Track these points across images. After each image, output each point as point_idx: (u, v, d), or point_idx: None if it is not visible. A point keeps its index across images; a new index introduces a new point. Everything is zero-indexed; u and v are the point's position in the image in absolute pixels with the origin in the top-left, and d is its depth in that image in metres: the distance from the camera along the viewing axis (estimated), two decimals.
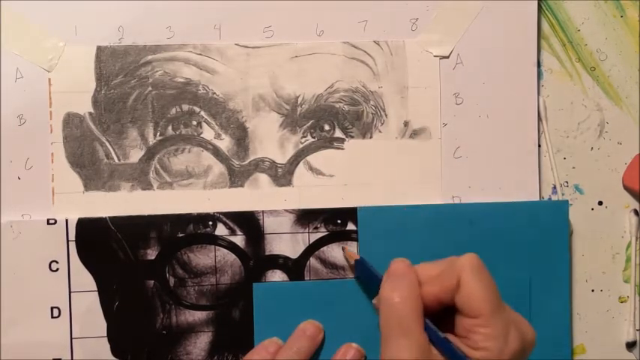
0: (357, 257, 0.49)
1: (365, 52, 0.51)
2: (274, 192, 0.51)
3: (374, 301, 0.44)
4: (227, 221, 0.50)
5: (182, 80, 0.50)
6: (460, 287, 0.41)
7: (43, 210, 0.49)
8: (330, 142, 0.51)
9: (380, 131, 0.52)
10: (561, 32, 0.53)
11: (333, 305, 0.50)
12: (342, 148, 0.52)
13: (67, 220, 0.49)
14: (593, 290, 0.54)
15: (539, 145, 0.53)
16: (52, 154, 0.50)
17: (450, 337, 0.41)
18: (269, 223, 0.50)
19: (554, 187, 0.53)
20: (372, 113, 0.52)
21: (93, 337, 0.49)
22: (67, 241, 0.49)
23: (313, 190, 0.51)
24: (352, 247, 0.51)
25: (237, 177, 0.51)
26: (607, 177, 0.54)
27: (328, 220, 0.51)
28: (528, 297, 0.51)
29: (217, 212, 0.50)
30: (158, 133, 0.50)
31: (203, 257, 0.50)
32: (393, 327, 0.41)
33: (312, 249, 0.50)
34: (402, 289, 0.42)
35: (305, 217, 0.50)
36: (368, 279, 0.48)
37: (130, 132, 0.50)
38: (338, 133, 0.52)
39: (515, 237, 0.51)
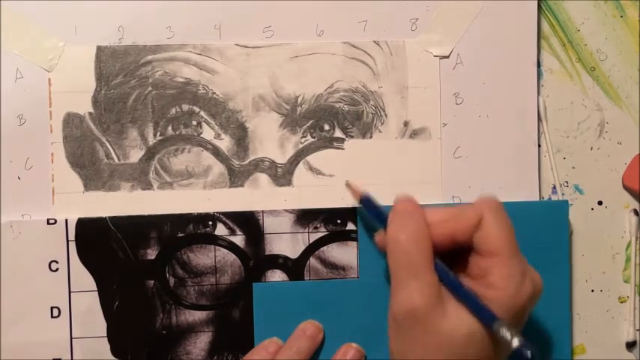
0: (362, 193, 0.47)
1: (365, 52, 0.51)
2: (274, 192, 0.51)
3: (376, 237, 0.43)
4: (227, 221, 0.50)
5: (182, 80, 0.50)
6: (482, 224, 0.40)
7: (43, 210, 0.49)
8: (330, 142, 0.51)
9: (380, 131, 0.52)
10: (561, 32, 0.53)
11: (333, 305, 0.50)
12: (342, 148, 0.52)
13: (66, 220, 0.49)
14: (593, 290, 0.54)
15: (539, 145, 0.53)
16: (52, 154, 0.50)
17: (462, 277, 0.40)
18: (269, 223, 0.50)
19: (554, 187, 0.53)
20: (372, 113, 0.52)
21: (93, 337, 0.49)
22: (67, 241, 0.49)
23: (313, 190, 0.51)
24: (352, 246, 0.51)
25: (237, 177, 0.51)
26: (607, 177, 0.54)
27: (328, 220, 0.51)
28: None
29: (217, 212, 0.50)
30: (158, 133, 0.50)
31: (203, 257, 0.50)
32: (401, 267, 0.40)
33: (312, 249, 0.50)
34: (408, 227, 0.41)
35: (305, 217, 0.50)
36: (374, 217, 0.47)
37: (130, 132, 0.50)
38: (338, 133, 0.52)
39: (516, 237, 0.51)
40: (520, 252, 0.41)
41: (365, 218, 0.50)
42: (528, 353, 0.37)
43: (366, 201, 0.47)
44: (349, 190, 0.49)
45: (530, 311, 0.42)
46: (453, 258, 0.42)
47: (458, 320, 0.39)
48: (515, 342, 0.37)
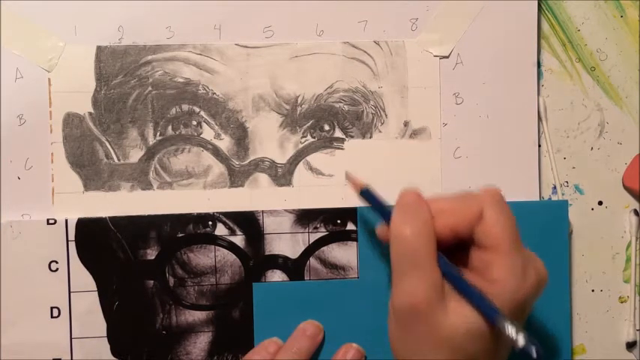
0: (363, 186, 0.46)
1: (365, 52, 0.51)
2: (274, 192, 0.51)
3: (377, 230, 0.42)
4: (227, 221, 0.50)
5: (182, 80, 0.50)
6: (483, 217, 0.40)
7: (43, 210, 0.49)
8: (330, 142, 0.51)
9: (380, 131, 0.52)
10: (561, 32, 0.53)
11: (333, 305, 0.50)
12: (342, 148, 0.52)
13: (66, 220, 0.49)
14: (593, 290, 0.54)
15: (539, 145, 0.53)
16: (52, 154, 0.50)
17: (464, 271, 0.40)
18: (269, 223, 0.50)
19: (554, 187, 0.53)
20: (372, 113, 0.52)
21: (93, 337, 0.49)
22: (67, 241, 0.49)
23: (313, 190, 0.51)
24: (352, 246, 0.51)
25: (237, 177, 0.51)
26: (607, 177, 0.54)
27: (328, 220, 0.51)
28: None
29: (217, 212, 0.50)
30: (158, 133, 0.50)
31: (203, 257, 0.50)
32: (405, 261, 0.39)
33: (312, 249, 0.50)
34: (413, 222, 0.40)
35: (305, 217, 0.50)
36: (376, 210, 0.45)
37: (129, 132, 0.50)
38: (338, 133, 0.52)
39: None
40: (521, 244, 0.40)
41: (364, 214, 0.50)
42: (534, 352, 0.37)
43: (367, 193, 0.46)
44: (349, 182, 0.47)
45: (535, 302, 0.41)
46: (455, 251, 0.41)
47: (460, 316, 0.38)
48: (521, 340, 0.37)
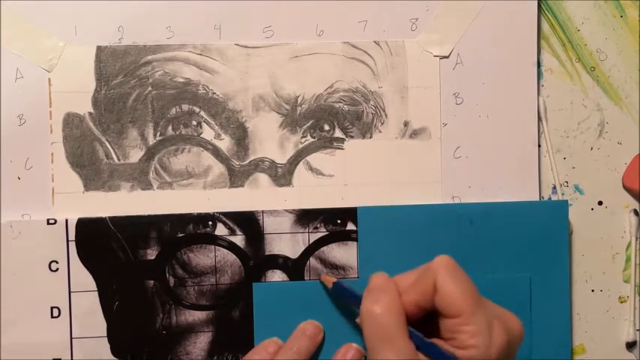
0: (334, 280, 0.49)
1: (365, 52, 0.51)
2: (274, 192, 0.51)
3: (357, 320, 0.44)
4: (227, 221, 0.50)
5: (182, 80, 0.50)
6: (437, 289, 0.41)
7: (43, 210, 0.49)
8: (330, 142, 0.51)
9: (380, 131, 0.52)
10: (561, 32, 0.53)
11: (333, 305, 0.50)
12: (342, 148, 0.52)
13: (67, 220, 0.49)
14: (593, 290, 0.54)
15: (539, 145, 0.53)
16: (52, 154, 0.50)
17: (437, 341, 0.41)
18: (269, 223, 0.50)
19: (554, 187, 0.53)
20: (372, 113, 0.52)
21: (93, 337, 0.49)
22: (67, 241, 0.49)
23: (313, 190, 0.51)
24: (352, 246, 0.51)
25: (237, 177, 0.51)
26: (607, 177, 0.54)
27: (328, 220, 0.51)
28: (528, 297, 0.51)
29: (217, 212, 0.50)
30: (158, 133, 0.50)
31: (203, 257, 0.50)
32: (378, 339, 0.41)
33: (312, 249, 0.50)
34: (382, 301, 0.41)
35: (305, 217, 0.50)
36: (349, 299, 0.48)
37: (129, 132, 0.50)
38: (338, 133, 0.52)
39: (515, 237, 0.51)
40: (484, 302, 0.41)
41: (365, 214, 0.50)
42: None
43: (339, 287, 0.48)
44: (322, 281, 0.50)
45: (515, 352, 0.42)
46: (427, 323, 0.42)
47: None
48: None
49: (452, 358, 0.39)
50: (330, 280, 0.49)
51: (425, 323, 0.42)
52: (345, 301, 0.49)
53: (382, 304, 0.41)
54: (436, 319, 0.42)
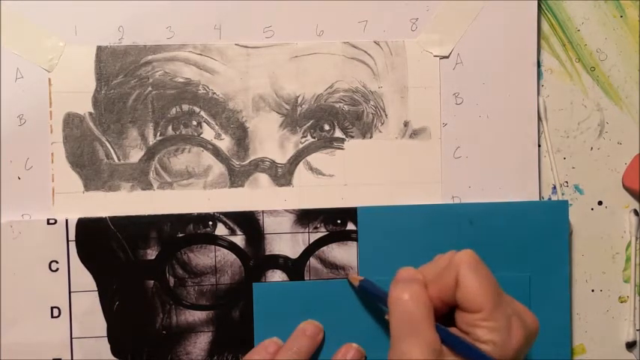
0: (361, 278, 0.49)
1: (365, 52, 0.51)
2: (274, 192, 0.51)
3: (386, 317, 0.43)
4: (227, 221, 0.50)
5: (182, 80, 0.50)
6: (459, 284, 0.41)
7: (43, 210, 0.49)
8: (330, 142, 0.51)
9: (380, 131, 0.52)
10: (561, 32, 0.53)
11: (333, 305, 0.50)
12: (342, 148, 0.52)
13: (67, 220, 0.49)
14: (593, 290, 0.54)
15: (539, 145, 0.53)
16: (52, 154, 0.50)
17: (456, 331, 0.41)
18: (269, 223, 0.50)
19: (554, 187, 0.53)
20: (372, 113, 0.52)
21: (93, 337, 0.49)
22: (67, 241, 0.49)
23: (313, 190, 0.51)
24: (352, 246, 0.51)
25: (237, 177, 0.51)
26: (607, 177, 0.54)
27: (328, 220, 0.51)
28: (528, 297, 0.51)
29: (217, 212, 0.50)
30: (158, 133, 0.50)
31: (203, 257, 0.50)
32: (404, 326, 0.40)
33: (312, 249, 0.51)
34: (411, 289, 0.41)
35: (305, 217, 0.50)
36: (376, 297, 0.48)
37: (130, 132, 0.50)
38: (338, 133, 0.52)
39: (515, 237, 0.51)
40: (505, 299, 0.41)
41: (365, 214, 0.50)
42: None
43: (366, 284, 0.48)
44: (349, 279, 0.50)
45: (528, 351, 0.42)
46: (445, 316, 0.42)
47: None
48: None
49: (482, 354, 0.39)
50: (357, 278, 0.49)
51: (444, 316, 0.42)
52: (372, 299, 0.49)
53: (410, 292, 0.41)
54: (452, 310, 0.42)
